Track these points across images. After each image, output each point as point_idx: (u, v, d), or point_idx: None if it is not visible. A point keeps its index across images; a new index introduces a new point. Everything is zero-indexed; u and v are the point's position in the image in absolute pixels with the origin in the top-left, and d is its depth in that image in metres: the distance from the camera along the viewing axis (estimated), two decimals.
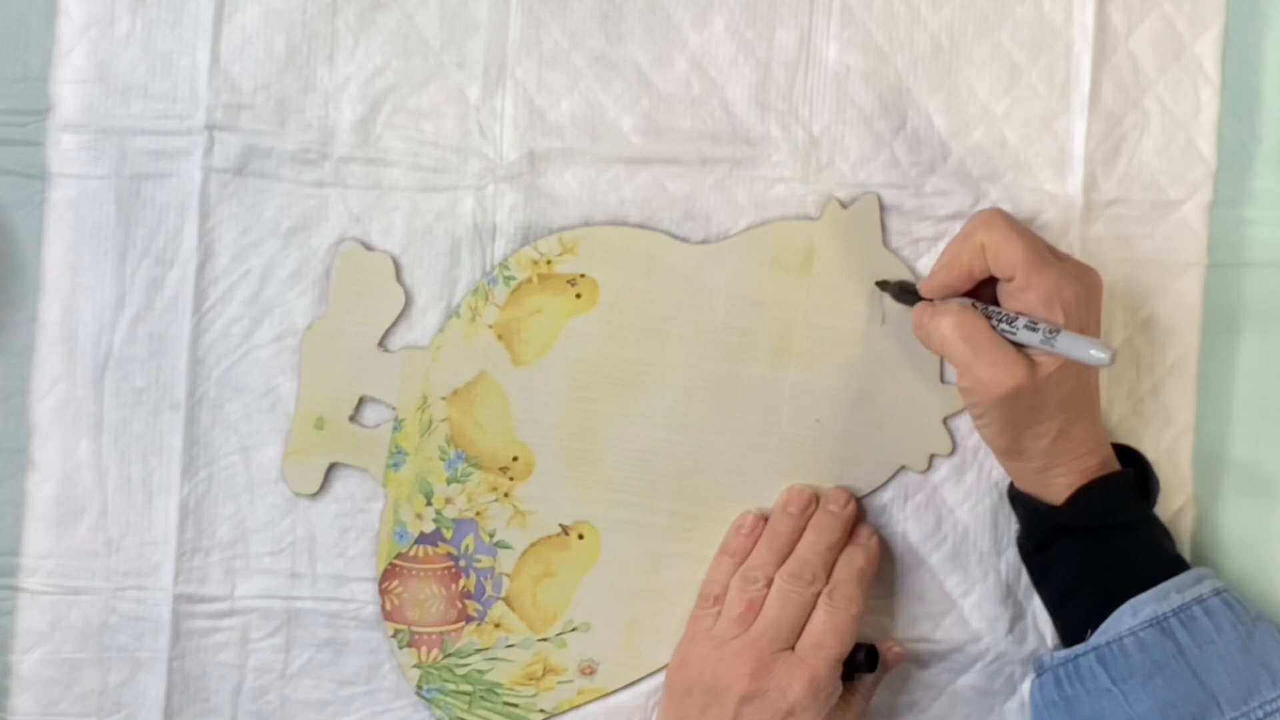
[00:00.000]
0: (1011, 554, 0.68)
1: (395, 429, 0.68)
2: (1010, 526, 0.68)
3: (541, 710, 0.69)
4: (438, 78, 0.67)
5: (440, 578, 0.68)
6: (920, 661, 0.69)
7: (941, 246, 0.67)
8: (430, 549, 0.68)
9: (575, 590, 0.68)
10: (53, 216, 0.67)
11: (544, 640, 0.68)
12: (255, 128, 0.67)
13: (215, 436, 0.68)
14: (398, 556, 0.68)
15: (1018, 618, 0.69)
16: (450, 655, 0.68)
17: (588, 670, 0.69)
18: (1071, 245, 0.68)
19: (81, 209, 0.67)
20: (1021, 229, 0.62)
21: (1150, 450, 0.67)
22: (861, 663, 0.65)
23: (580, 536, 0.68)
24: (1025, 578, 0.68)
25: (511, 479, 0.68)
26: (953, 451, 0.68)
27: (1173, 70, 0.68)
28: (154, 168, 0.67)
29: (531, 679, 0.68)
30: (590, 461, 0.68)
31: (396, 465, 0.68)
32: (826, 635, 0.63)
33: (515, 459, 0.68)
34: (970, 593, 0.69)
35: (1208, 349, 0.69)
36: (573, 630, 0.68)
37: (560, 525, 0.68)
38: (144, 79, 0.67)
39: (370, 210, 0.68)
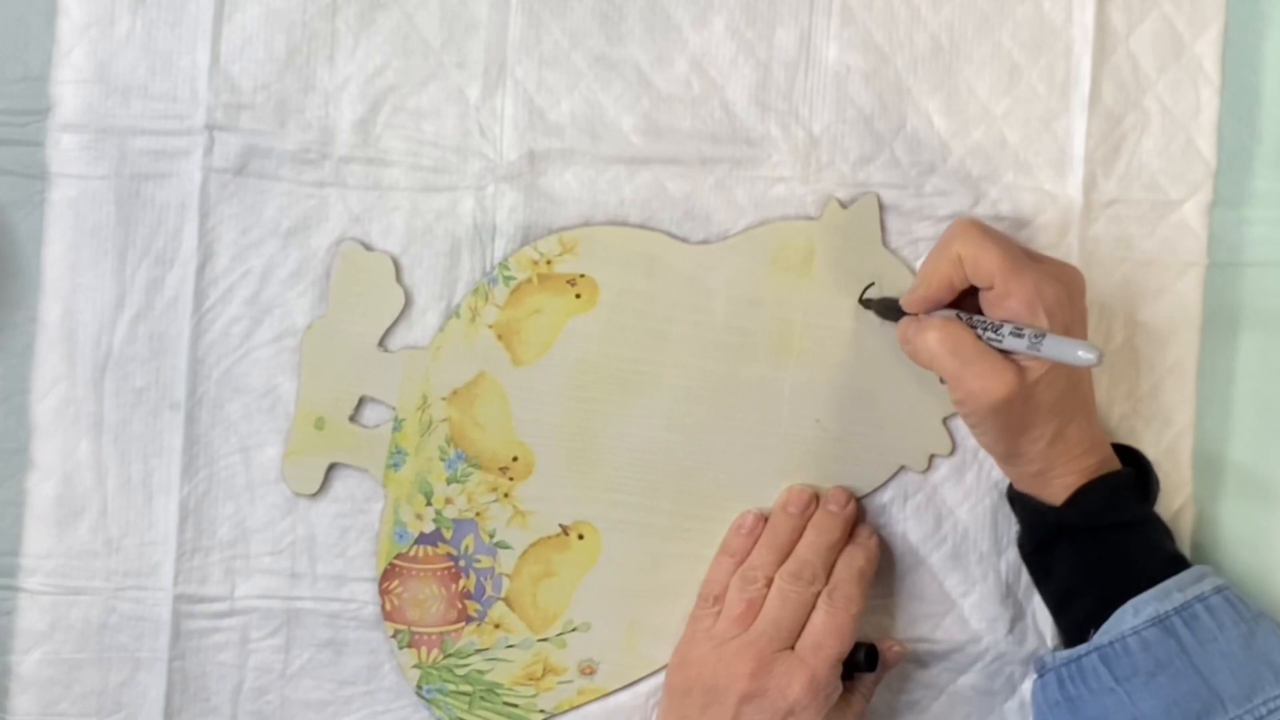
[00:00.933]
0: (1011, 554, 0.68)
1: (395, 429, 0.68)
2: (1010, 526, 0.68)
3: (541, 710, 0.69)
4: (438, 78, 0.67)
5: (440, 578, 0.68)
6: (920, 661, 0.69)
7: None
8: (430, 549, 0.68)
9: (575, 590, 0.68)
10: (53, 216, 0.67)
11: (544, 640, 0.68)
12: (255, 128, 0.67)
13: (215, 436, 0.68)
14: (398, 557, 0.68)
15: (1018, 618, 0.69)
16: (450, 655, 0.68)
17: (588, 670, 0.68)
18: (1071, 245, 0.68)
19: (81, 209, 0.67)
20: (996, 236, 0.62)
21: (1150, 450, 0.67)
22: (861, 662, 0.65)
23: (580, 536, 0.68)
24: (1025, 578, 0.68)
25: (511, 479, 0.68)
26: (952, 451, 0.68)
27: (1173, 70, 0.68)
28: (154, 168, 0.67)
29: (531, 679, 0.68)
30: (590, 461, 0.68)
31: (396, 465, 0.68)
32: (826, 635, 0.63)
33: (515, 459, 0.68)
34: (970, 593, 0.69)
35: (1208, 349, 0.69)
36: (573, 630, 0.68)
37: (560, 525, 0.68)
38: (144, 79, 0.67)
39: (370, 210, 0.68)
